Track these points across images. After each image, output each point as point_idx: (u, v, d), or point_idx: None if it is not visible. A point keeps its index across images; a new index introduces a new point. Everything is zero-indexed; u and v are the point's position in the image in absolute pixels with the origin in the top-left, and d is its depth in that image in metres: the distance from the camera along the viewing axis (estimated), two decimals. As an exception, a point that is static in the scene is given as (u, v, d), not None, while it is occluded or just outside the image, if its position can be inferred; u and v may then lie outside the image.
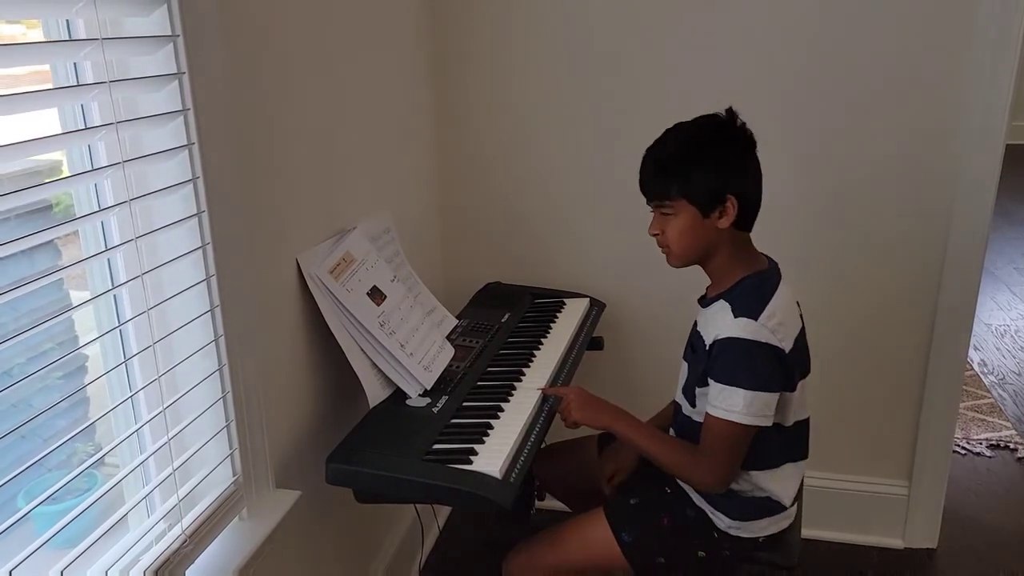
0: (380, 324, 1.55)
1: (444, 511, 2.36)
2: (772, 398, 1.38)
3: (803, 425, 1.51)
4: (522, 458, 1.42)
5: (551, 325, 1.93)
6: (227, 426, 1.27)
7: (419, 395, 1.57)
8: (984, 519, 2.41)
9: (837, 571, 2.19)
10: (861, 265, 2.07)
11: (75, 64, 1.07)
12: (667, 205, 1.42)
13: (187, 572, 1.17)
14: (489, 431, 1.47)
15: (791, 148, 1.96)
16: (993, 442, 2.81)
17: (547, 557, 1.56)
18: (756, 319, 1.38)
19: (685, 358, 1.56)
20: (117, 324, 1.14)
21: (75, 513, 1.01)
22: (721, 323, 1.41)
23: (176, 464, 1.17)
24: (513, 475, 1.36)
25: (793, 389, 1.43)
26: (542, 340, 1.85)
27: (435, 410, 1.53)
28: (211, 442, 1.24)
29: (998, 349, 3.51)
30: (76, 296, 1.19)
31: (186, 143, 1.13)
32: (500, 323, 1.92)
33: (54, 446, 0.98)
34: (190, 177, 1.15)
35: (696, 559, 1.53)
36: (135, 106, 1.11)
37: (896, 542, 2.28)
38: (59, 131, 1.06)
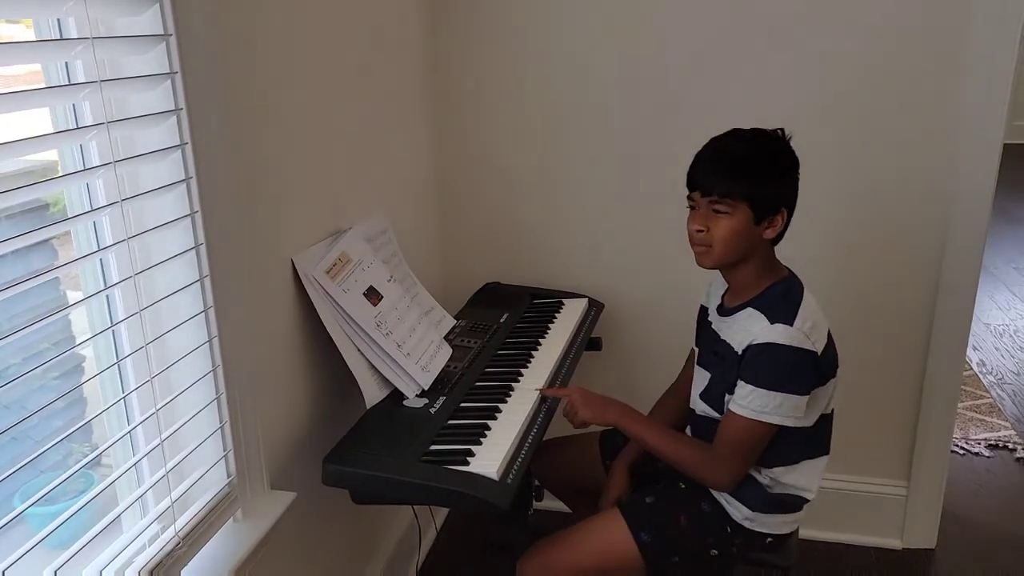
0: (377, 324, 1.54)
1: (442, 512, 2.35)
2: (803, 401, 1.41)
3: (827, 420, 1.52)
4: (520, 459, 1.41)
5: (549, 325, 1.92)
6: (221, 427, 1.26)
7: (416, 395, 1.56)
8: (983, 519, 2.40)
9: (835, 571, 2.18)
10: (859, 264, 2.07)
11: (67, 64, 1.06)
12: (726, 203, 1.41)
13: (182, 573, 1.17)
14: (487, 432, 1.46)
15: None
16: (992, 442, 2.80)
17: (564, 558, 1.55)
18: (792, 325, 1.40)
19: (705, 366, 1.56)
20: (110, 325, 1.14)
21: (68, 514, 1.00)
22: (755, 329, 1.42)
23: (170, 465, 1.17)
24: (510, 476, 1.35)
25: (824, 384, 1.46)
26: (540, 340, 1.84)
27: (432, 411, 1.53)
28: (205, 443, 1.23)
29: (997, 349, 3.51)
30: (73, 296, 1.19)
31: (179, 143, 1.13)
32: (498, 323, 1.91)
33: (47, 447, 0.97)
34: (183, 177, 1.14)
35: (708, 558, 1.53)
36: (127, 106, 1.11)
37: (894, 542, 2.27)
38: (51, 131, 1.05)
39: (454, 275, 2.24)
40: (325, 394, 1.60)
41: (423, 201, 2.15)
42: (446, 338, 1.77)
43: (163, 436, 1.15)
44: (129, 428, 1.14)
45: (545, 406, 1.59)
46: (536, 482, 1.83)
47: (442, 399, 1.56)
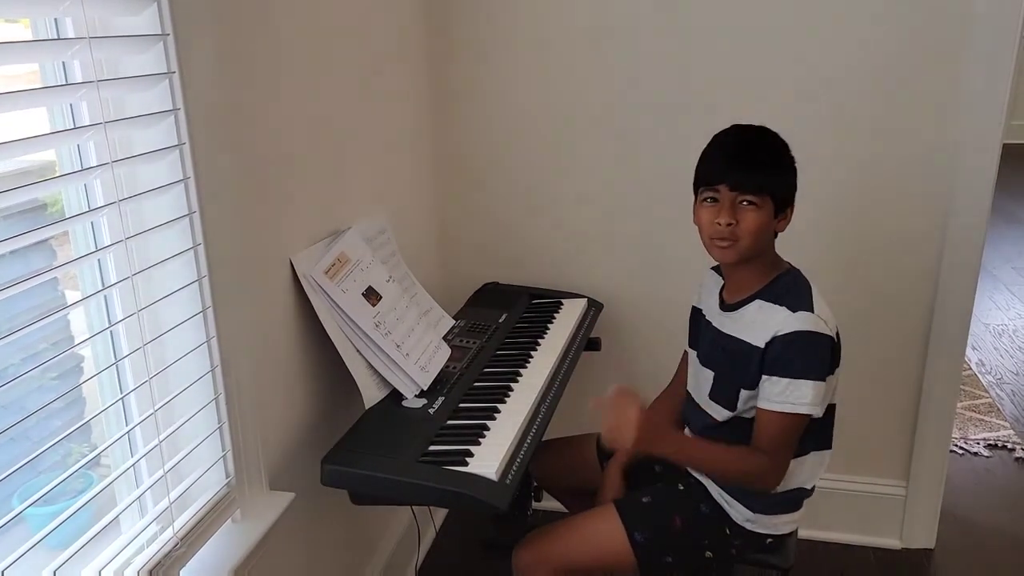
0: (375, 324, 1.54)
1: (441, 513, 2.35)
2: (823, 387, 1.42)
3: (833, 410, 1.52)
4: (518, 460, 1.41)
5: (548, 326, 1.92)
6: (220, 428, 1.26)
7: (415, 396, 1.56)
8: (982, 519, 2.40)
9: (835, 572, 2.18)
10: (858, 264, 2.06)
11: (64, 63, 1.06)
12: (757, 196, 1.41)
13: (181, 574, 1.16)
14: (485, 432, 1.46)
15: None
16: (991, 442, 2.80)
17: (556, 551, 1.54)
18: (813, 312, 1.41)
19: (708, 365, 1.55)
20: (108, 325, 1.13)
21: (66, 515, 1.00)
22: (778, 319, 1.42)
23: (168, 466, 1.16)
24: (509, 477, 1.35)
25: (833, 372, 1.47)
26: (539, 341, 1.84)
27: (431, 411, 1.52)
28: (204, 444, 1.23)
29: (996, 349, 3.51)
30: (72, 296, 1.19)
31: (176, 143, 1.12)
32: (497, 324, 1.91)
33: (46, 447, 0.97)
34: (181, 177, 1.14)
35: (703, 559, 1.53)
36: (125, 106, 1.10)
37: (894, 542, 2.27)
38: (48, 131, 1.05)
39: (453, 275, 2.24)
40: (324, 394, 1.60)
41: (422, 201, 2.15)
42: (445, 338, 1.77)
43: (162, 437, 1.15)
44: (128, 429, 1.14)
45: (544, 406, 1.59)
46: (535, 483, 1.83)
47: (441, 399, 1.56)
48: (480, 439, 1.44)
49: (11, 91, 0.91)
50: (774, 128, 1.47)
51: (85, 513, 1.05)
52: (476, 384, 1.65)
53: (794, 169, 1.46)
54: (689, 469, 1.57)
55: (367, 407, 1.51)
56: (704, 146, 1.48)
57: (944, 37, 1.86)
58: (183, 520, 1.18)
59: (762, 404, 1.43)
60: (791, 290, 1.45)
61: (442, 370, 1.65)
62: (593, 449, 1.74)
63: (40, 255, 1.16)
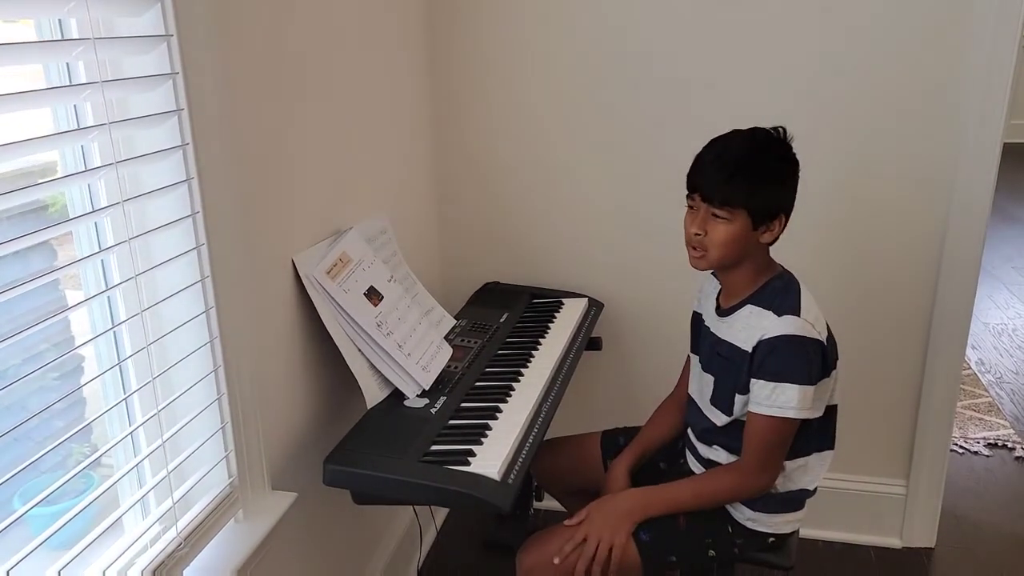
0: (377, 324, 1.54)
1: (442, 512, 2.35)
2: (812, 391, 1.41)
3: (834, 411, 1.52)
4: (521, 459, 1.41)
5: (549, 325, 1.92)
6: (222, 428, 1.26)
7: (417, 396, 1.56)
8: (982, 519, 2.41)
9: (835, 571, 2.18)
10: (858, 264, 2.07)
11: (68, 64, 1.06)
12: (725, 210, 1.40)
13: (184, 573, 1.17)
14: (487, 432, 1.46)
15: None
16: (991, 441, 2.81)
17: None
18: (800, 316, 1.41)
19: (709, 370, 1.55)
20: (111, 326, 1.13)
21: (69, 516, 1.00)
22: (763, 324, 1.42)
23: (171, 467, 1.17)
24: (512, 477, 1.35)
25: (828, 376, 1.46)
26: (540, 340, 1.84)
27: (433, 411, 1.53)
28: (207, 444, 1.23)
29: (996, 348, 3.51)
30: (73, 297, 1.19)
31: (180, 143, 1.12)
32: (498, 323, 1.91)
33: (48, 448, 0.97)
34: (184, 178, 1.14)
35: (706, 559, 1.53)
36: (128, 106, 1.11)
37: (894, 541, 2.27)
38: (51, 132, 1.05)
39: (453, 275, 2.24)
40: (326, 394, 1.60)
41: (422, 200, 2.15)
42: (446, 338, 1.77)
43: (165, 437, 1.15)
44: (131, 429, 1.14)
45: (546, 405, 1.59)
46: (536, 482, 1.84)
47: (443, 399, 1.56)
48: (482, 439, 1.44)
49: (16, 92, 0.91)
50: (767, 125, 1.45)
51: (87, 513, 1.05)
52: (478, 384, 1.65)
53: (785, 181, 1.44)
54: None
55: (369, 407, 1.52)
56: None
57: (944, 37, 1.86)
58: (186, 520, 1.19)
59: (750, 407, 1.44)
60: (780, 294, 1.46)
61: (444, 370, 1.65)
62: (597, 448, 1.75)
63: (40, 256, 1.16)
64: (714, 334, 1.54)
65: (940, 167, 1.95)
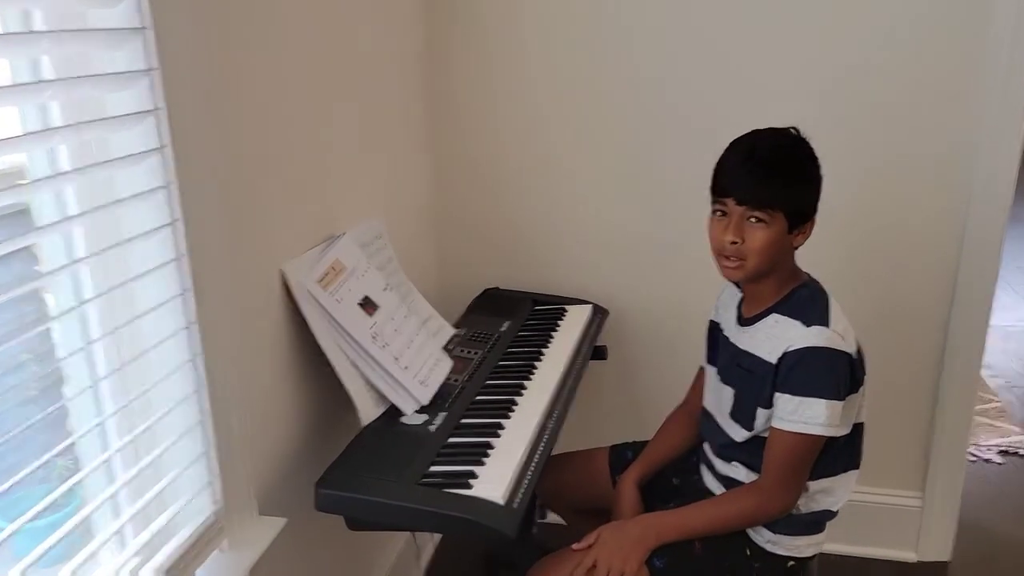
0: (372, 336, 1.46)
1: (440, 526, 2.27)
2: (840, 407, 1.34)
3: (860, 429, 1.45)
4: (526, 481, 1.33)
5: (552, 334, 1.84)
6: (206, 452, 1.17)
7: (415, 412, 1.48)
8: (998, 529, 2.34)
9: (849, 586, 2.11)
10: (873, 272, 1.99)
11: (34, 60, 0.97)
12: (765, 212, 1.32)
13: (164, 611, 1.08)
14: (489, 451, 1.38)
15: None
16: (1003, 448, 2.74)
17: None
18: (829, 327, 1.34)
19: (728, 382, 1.47)
20: (85, 343, 1.04)
21: (42, 550, 0.91)
22: (790, 335, 1.35)
23: (150, 495, 1.08)
24: (516, 501, 1.27)
25: (857, 391, 1.39)
26: (543, 351, 1.76)
27: (432, 428, 1.44)
28: (189, 469, 1.15)
29: (1004, 352, 3.44)
30: (54, 303, 1.10)
31: (158, 146, 1.03)
32: (499, 332, 1.83)
33: (28, 469, 0.88)
34: (163, 183, 1.05)
35: None
36: (101, 106, 1.01)
37: (909, 555, 2.20)
38: (18, 133, 0.96)
39: (452, 280, 2.15)
40: (317, 412, 1.51)
41: (419, 203, 2.06)
42: (445, 348, 1.69)
43: (142, 464, 1.06)
44: (103, 457, 1.05)
45: (551, 421, 1.51)
46: (539, 499, 1.75)
47: (442, 415, 1.48)
48: (484, 458, 1.36)
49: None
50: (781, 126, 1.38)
51: (64, 540, 0.96)
52: (479, 398, 1.56)
53: (816, 180, 1.37)
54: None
55: (364, 424, 1.43)
56: (713, 147, 1.40)
57: (961, 39, 1.79)
58: (167, 551, 1.10)
59: (774, 423, 1.36)
60: (807, 303, 1.38)
61: (443, 383, 1.56)
62: (604, 464, 1.66)
63: (21, 263, 1.07)
64: (735, 344, 1.46)
65: (957, 173, 1.88)
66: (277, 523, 1.27)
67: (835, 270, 1.94)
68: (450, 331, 1.77)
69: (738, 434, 1.44)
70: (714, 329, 1.56)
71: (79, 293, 1.04)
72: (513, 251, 2.13)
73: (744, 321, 1.45)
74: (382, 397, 1.47)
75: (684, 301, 2.02)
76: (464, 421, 1.48)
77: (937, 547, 2.19)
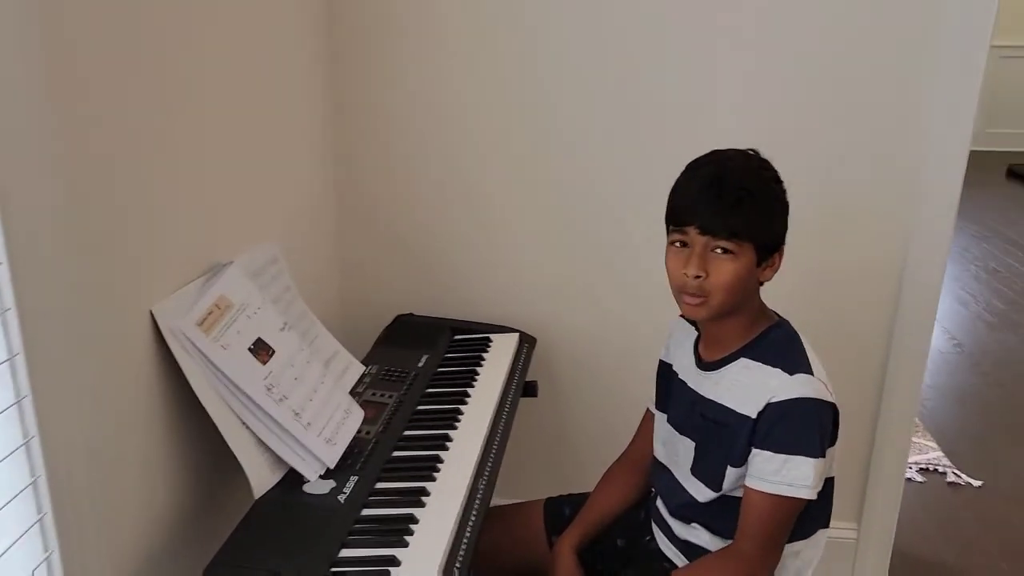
0: (267, 388, 1.20)
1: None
2: (823, 464, 1.19)
3: (831, 483, 1.29)
4: (459, 560, 1.11)
5: (478, 369, 1.61)
6: (47, 559, 0.89)
7: (320, 477, 1.23)
8: (927, 555, 2.27)
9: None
10: (812, 295, 1.86)
11: None
12: (733, 243, 1.15)
13: None
14: (413, 526, 1.15)
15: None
16: (923, 465, 2.69)
17: None
18: (813, 375, 1.18)
19: (687, 433, 1.29)
20: None
21: None
22: (771, 385, 1.18)
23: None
24: (451, 594, 1.04)
25: (834, 444, 1.25)
26: (469, 391, 1.53)
27: (341, 497, 1.20)
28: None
29: (913, 362, 3.45)
30: None
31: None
32: (417, 368, 1.59)
33: None
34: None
35: None
36: None
37: (845, 588, 2.10)
38: None
39: (359, 307, 1.89)
40: (200, 485, 1.25)
41: (321, 221, 1.79)
42: (354, 391, 1.44)
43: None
44: None
45: (483, 480, 1.29)
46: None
47: (353, 480, 1.23)
48: (407, 536, 1.13)
49: None
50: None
51: None
52: (397, 454, 1.33)
53: (785, 206, 1.21)
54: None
55: (257, 496, 1.17)
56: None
57: (910, 41, 1.67)
58: None
59: (752, 483, 1.19)
60: (783, 348, 1.22)
61: (354, 438, 1.32)
62: (539, 520, 1.46)
63: None
64: (694, 391, 1.28)
65: (903, 185, 1.76)
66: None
67: (775, 296, 1.82)
68: (359, 369, 1.53)
69: (702, 494, 1.26)
70: (665, 371, 1.38)
71: None
72: (428, 272, 1.88)
73: (706, 365, 1.27)
74: (279, 461, 1.21)
75: (623, 325, 1.84)
76: (380, 486, 1.24)
77: (872, 578, 2.11)
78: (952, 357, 3.46)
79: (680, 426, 1.30)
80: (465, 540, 1.15)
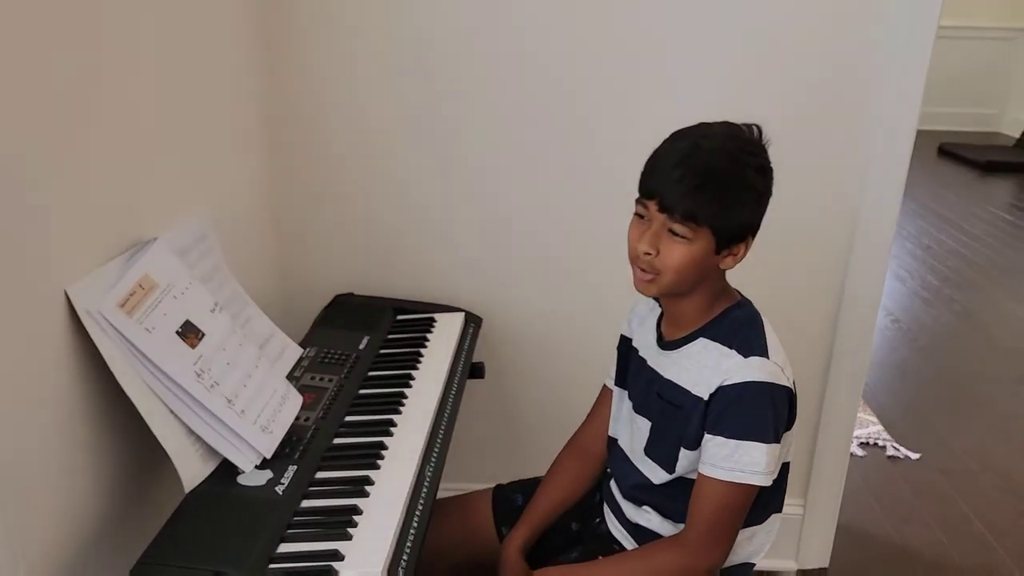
0: (197, 374, 1.12)
1: None
2: (778, 449, 1.16)
3: (786, 468, 1.27)
4: (406, 555, 1.06)
5: (422, 351, 1.55)
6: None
7: (256, 467, 1.15)
8: (870, 529, 2.31)
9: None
10: (757, 270, 1.84)
11: None
12: (688, 227, 1.10)
13: None
14: (357, 517, 1.09)
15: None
16: (863, 440, 2.74)
17: None
18: (769, 358, 1.15)
19: (644, 413, 1.26)
20: None
21: None
22: (725, 367, 1.15)
23: None
24: (399, 585, 0.99)
25: (791, 428, 1.22)
26: (413, 373, 1.47)
27: (280, 488, 1.13)
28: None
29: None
30: None
31: None
32: (358, 351, 1.51)
33: None
34: None
35: None
36: None
37: (790, 565, 2.11)
38: None
39: (296, 285, 1.80)
40: (126, 477, 1.16)
41: (254, 194, 1.69)
42: (292, 375, 1.37)
43: None
44: None
45: (430, 468, 1.23)
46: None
47: (292, 469, 1.16)
48: (350, 528, 1.07)
49: None
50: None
51: None
52: (338, 441, 1.26)
53: (761, 197, 1.15)
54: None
55: (188, 489, 1.09)
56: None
57: (856, 28, 1.65)
58: None
59: (704, 470, 1.16)
60: (742, 328, 1.19)
61: (292, 425, 1.24)
62: (488, 510, 1.42)
63: None
64: (654, 370, 1.24)
65: (849, 176, 1.75)
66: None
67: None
68: (296, 352, 1.45)
69: (655, 475, 1.23)
70: (626, 346, 1.34)
71: None
72: (369, 248, 1.80)
73: (666, 344, 1.23)
74: (212, 451, 1.13)
75: (570, 306, 1.79)
76: (321, 476, 1.17)
77: (817, 554, 2.12)
78: (890, 333, 3.53)
79: (638, 406, 1.27)
80: (412, 531, 1.10)
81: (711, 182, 1.09)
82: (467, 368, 1.57)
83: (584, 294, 1.80)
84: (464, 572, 1.44)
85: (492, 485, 1.47)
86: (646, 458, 1.24)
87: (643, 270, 1.14)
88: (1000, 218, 5.18)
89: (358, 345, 1.54)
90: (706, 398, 1.15)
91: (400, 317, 1.70)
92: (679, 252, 1.11)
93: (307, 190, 1.77)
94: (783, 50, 1.67)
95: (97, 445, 1.09)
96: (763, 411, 1.13)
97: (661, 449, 1.22)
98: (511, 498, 1.42)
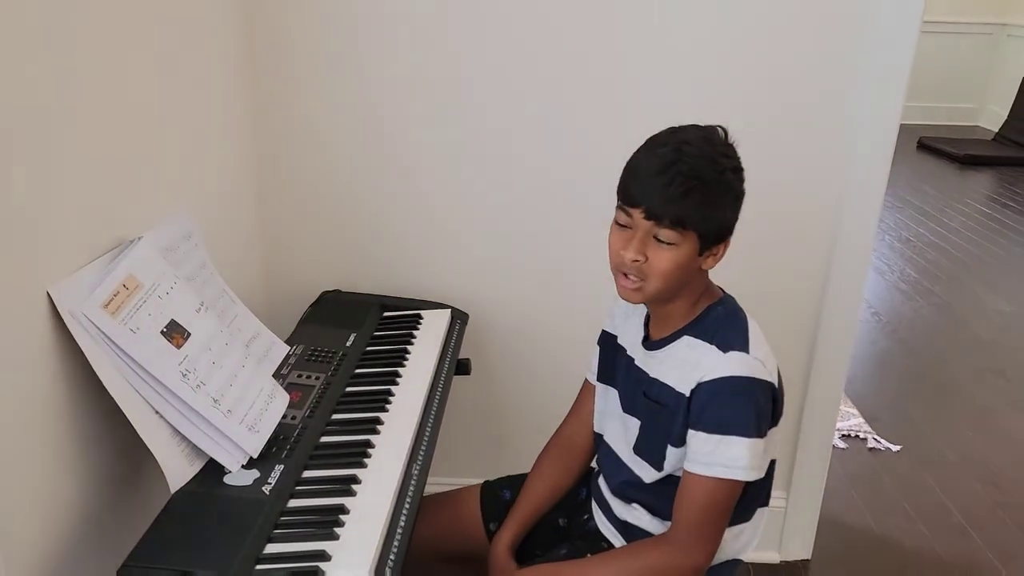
0: (182, 374, 1.11)
1: None
2: (762, 445, 1.17)
3: (773, 464, 1.27)
4: (393, 554, 1.06)
5: (409, 348, 1.55)
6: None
7: (243, 467, 1.15)
8: (851, 521, 2.33)
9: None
10: (741, 266, 1.85)
11: None
12: (676, 233, 1.11)
13: None
14: (344, 517, 1.09)
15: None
16: (844, 432, 2.76)
17: None
18: (749, 352, 1.15)
19: (631, 412, 1.26)
20: None
21: None
22: (704, 363, 1.15)
23: None
24: (386, 585, 0.99)
25: (777, 424, 1.23)
26: (400, 370, 1.47)
27: (266, 488, 1.12)
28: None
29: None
30: None
31: None
32: (344, 348, 1.51)
33: None
34: None
35: None
36: None
37: (772, 556, 2.13)
38: None
39: (282, 284, 1.79)
40: (112, 479, 1.15)
41: (240, 192, 1.68)
42: (279, 373, 1.36)
43: None
44: None
45: (417, 465, 1.23)
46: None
47: (279, 469, 1.16)
48: (337, 528, 1.07)
49: None
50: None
51: None
52: (325, 440, 1.26)
53: (739, 197, 1.16)
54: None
55: (174, 490, 1.09)
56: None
57: (840, 23, 1.66)
58: None
59: (688, 466, 1.17)
60: (723, 324, 1.19)
61: (279, 424, 1.24)
62: (476, 506, 1.42)
63: None
64: (641, 369, 1.25)
65: (833, 164, 1.76)
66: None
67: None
68: (283, 349, 1.44)
69: (646, 474, 1.23)
70: (609, 342, 1.34)
71: None
72: (356, 245, 1.80)
73: (651, 344, 1.24)
74: (198, 451, 1.13)
75: (556, 302, 1.80)
76: (308, 475, 1.17)
77: (799, 546, 2.14)
78: (870, 326, 3.56)
79: (626, 405, 1.27)
80: (399, 530, 1.10)
81: (696, 188, 1.09)
82: (453, 365, 1.57)
83: (570, 290, 1.81)
84: (453, 561, 1.44)
85: (480, 481, 1.48)
86: (636, 456, 1.25)
87: (628, 277, 1.14)
88: (979, 211, 5.23)
89: (345, 342, 1.53)
90: (687, 394, 1.16)
91: (387, 314, 1.70)
92: (666, 257, 1.12)
93: (293, 188, 1.77)
94: (766, 45, 1.68)
95: (82, 447, 1.08)
96: (743, 406, 1.13)
97: (649, 447, 1.22)
98: (499, 494, 1.42)
